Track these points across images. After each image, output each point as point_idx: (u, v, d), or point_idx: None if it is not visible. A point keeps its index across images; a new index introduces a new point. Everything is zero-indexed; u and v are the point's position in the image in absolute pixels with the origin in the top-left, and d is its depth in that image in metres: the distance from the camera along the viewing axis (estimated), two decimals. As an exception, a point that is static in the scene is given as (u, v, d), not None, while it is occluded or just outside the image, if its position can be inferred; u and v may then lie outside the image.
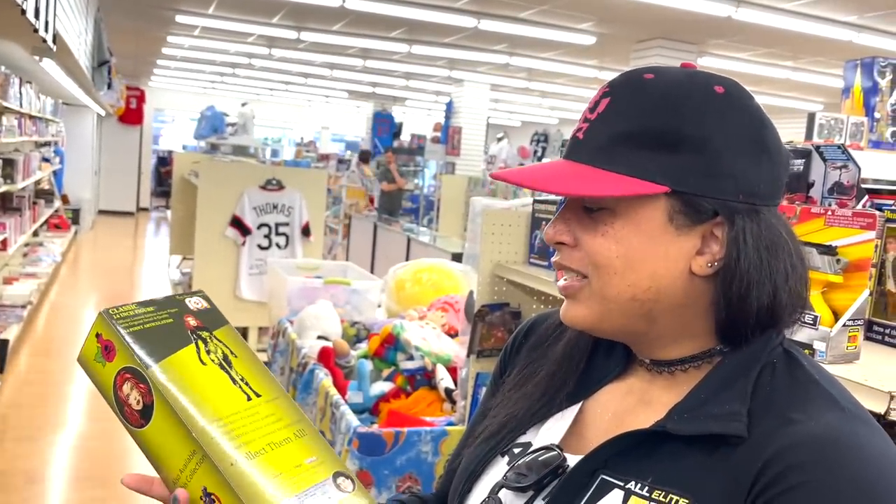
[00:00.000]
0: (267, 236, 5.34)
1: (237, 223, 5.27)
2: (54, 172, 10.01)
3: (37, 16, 2.65)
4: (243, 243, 5.30)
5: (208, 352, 0.80)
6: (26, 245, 8.18)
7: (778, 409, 0.67)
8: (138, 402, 0.76)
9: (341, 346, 2.70)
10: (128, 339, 0.77)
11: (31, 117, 6.98)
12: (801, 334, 1.15)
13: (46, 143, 9.70)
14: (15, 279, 6.63)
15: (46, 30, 2.91)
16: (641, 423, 0.73)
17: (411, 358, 2.58)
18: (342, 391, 2.52)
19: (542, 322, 0.95)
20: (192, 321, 0.83)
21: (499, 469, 0.80)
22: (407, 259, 5.40)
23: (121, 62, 12.31)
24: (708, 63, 8.67)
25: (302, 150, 12.80)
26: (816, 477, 0.62)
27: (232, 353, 0.83)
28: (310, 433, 0.80)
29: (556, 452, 0.76)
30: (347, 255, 8.91)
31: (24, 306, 5.81)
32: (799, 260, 0.73)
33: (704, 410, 0.69)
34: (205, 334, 0.82)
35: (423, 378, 2.52)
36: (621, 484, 0.70)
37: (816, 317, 1.12)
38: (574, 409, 0.82)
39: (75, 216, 11.25)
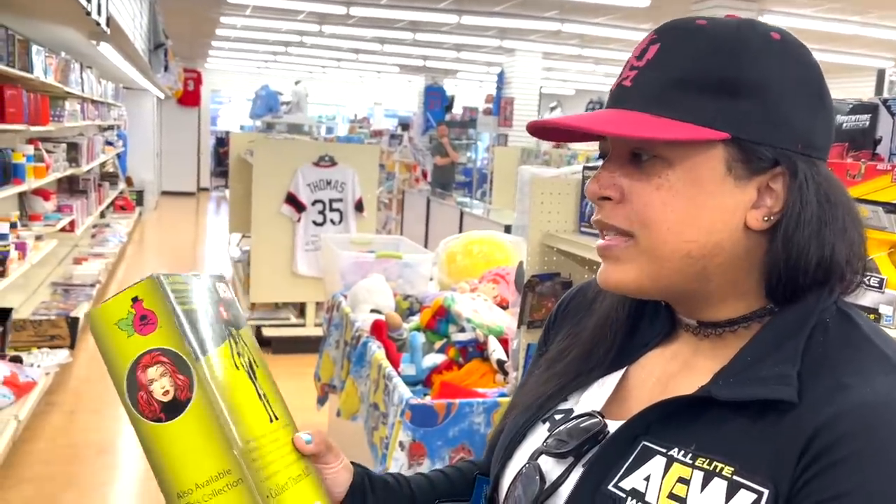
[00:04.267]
0: (321, 212, 5.39)
1: (292, 200, 5.33)
2: (118, 155, 10.30)
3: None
4: (298, 220, 5.36)
5: (239, 354, 0.69)
6: (94, 226, 8.46)
7: (830, 372, 0.63)
8: (166, 393, 0.64)
9: (393, 318, 2.71)
10: (182, 317, 0.65)
11: (93, 102, 7.18)
12: (867, 298, 1.09)
13: (110, 127, 9.98)
14: (84, 259, 6.87)
15: (99, 13, 2.97)
16: (686, 389, 0.69)
17: (463, 330, 2.57)
18: (395, 364, 2.53)
19: (584, 290, 0.92)
20: (224, 312, 0.71)
21: (539, 435, 0.79)
22: (460, 232, 5.39)
23: (177, 45, 12.54)
24: (771, 20, 8.30)
25: (355, 127, 12.85)
26: (871, 447, 0.58)
27: (254, 360, 0.72)
28: (314, 471, 0.74)
29: (597, 419, 0.74)
30: (402, 230, 8.95)
31: (92, 285, 6.01)
32: (855, 216, 0.69)
33: (752, 373, 0.66)
34: (235, 332, 0.71)
35: (476, 350, 2.51)
36: (663, 451, 0.67)
37: (883, 279, 1.06)
38: (617, 374, 0.79)
39: (139, 197, 11.57)
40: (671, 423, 0.68)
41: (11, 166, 3.81)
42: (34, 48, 4.13)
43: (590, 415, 0.75)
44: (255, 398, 0.69)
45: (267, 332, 5.41)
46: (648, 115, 0.67)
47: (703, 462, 0.64)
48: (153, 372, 0.64)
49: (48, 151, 4.86)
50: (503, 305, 2.74)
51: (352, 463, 0.89)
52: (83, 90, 6.24)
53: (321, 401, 3.38)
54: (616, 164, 0.71)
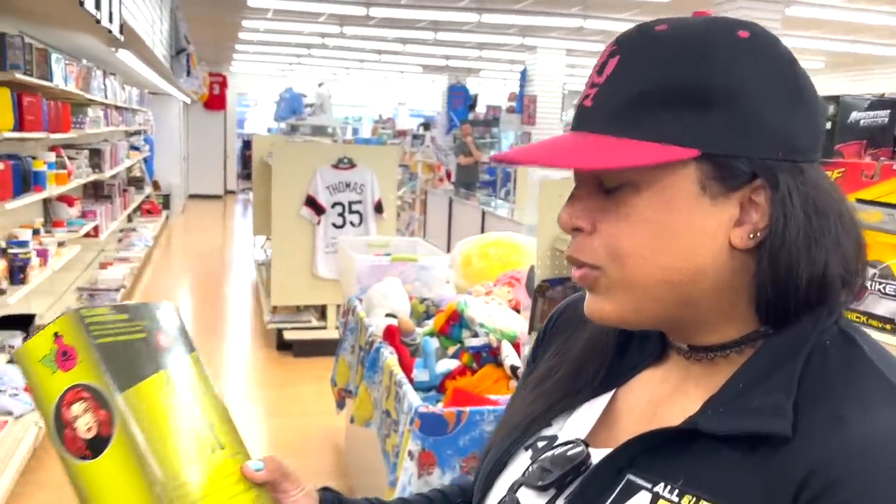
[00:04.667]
0: (341, 214, 5.38)
1: (311, 202, 5.32)
2: (144, 160, 10.41)
3: (98, 6, 2.71)
4: (318, 222, 5.35)
5: (178, 383, 0.67)
6: (121, 231, 8.56)
7: (828, 401, 0.58)
8: (90, 430, 0.62)
9: (406, 323, 2.67)
10: (97, 351, 0.63)
11: (116, 108, 7.25)
12: (882, 307, 1.03)
13: (137, 132, 10.09)
14: (109, 264, 6.94)
15: (111, 20, 2.98)
16: (678, 415, 0.65)
17: (476, 335, 2.53)
18: (408, 369, 2.49)
19: (575, 305, 0.87)
20: (164, 340, 0.69)
21: (520, 464, 0.74)
22: (482, 233, 5.34)
23: (201, 49, 12.65)
24: (798, 13, 8.16)
25: (378, 128, 12.86)
26: (871, 492, 0.53)
27: (199, 387, 0.69)
28: (269, 500, 0.71)
29: (580, 448, 0.69)
30: (424, 231, 8.93)
31: (117, 290, 6.07)
32: (850, 224, 0.64)
33: (743, 403, 0.61)
34: (174, 360, 0.68)
35: (489, 355, 2.47)
36: (649, 486, 0.62)
37: (898, 287, 0.99)
38: (606, 397, 0.75)
39: (166, 201, 11.70)
40: (658, 456, 0.63)
41: (31, 174, 3.85)
42: (54, 56, 4.17)
43: (574, 443, 0.71)
44: (196, 427, 0.66)
45: (288, 334, 5.41)
46: (610, 138, 0.62)
47: (690, 500, 0.59)
48: (77, 408, 0.62)
49: (70, 158, 4.90)
50: (518, 309, 2.70)
51: (326, 489, 0.86)
52: (106, 97, 6.30)
53: (340, 405, 3.36)
54: (586, 190, 0.66)
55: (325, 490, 0.87)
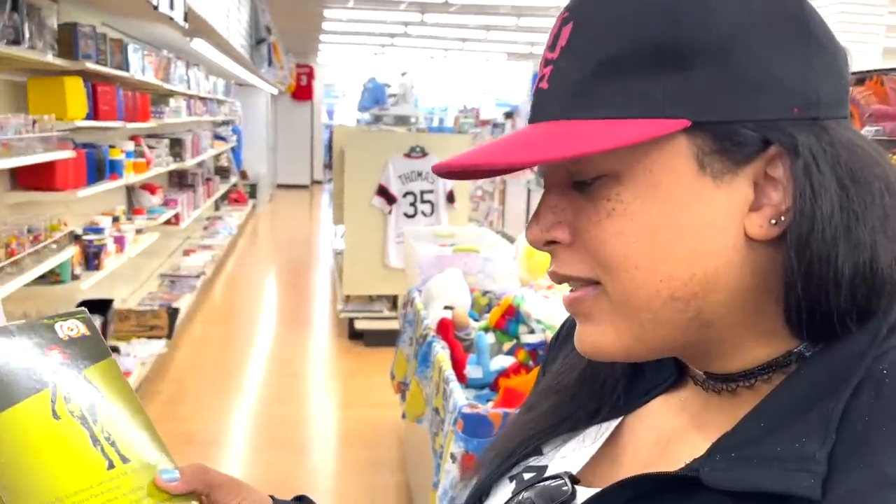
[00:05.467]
0: (412, 204, 5.31)
1: (383, 192, 5.27)
2: (232, 149, 10.68)
3: (158, -6, 2.72)
4: (390, 212, 5.30)
5: (68, 399, 0.62)
6: (207, 219, 8.80)
7: (873, 455, 0.43)
8: None
9: (461, 317, 2.56)
10: None
11: (200, 98, 7.42)
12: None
13: (225, 123, 10.35)
14: (193, 251, 7.13)
15: (172, 7, 2.98)
16: (690, 453, 0.51)
17: (533, 331, 2.39)
18: (461, 365, 2.38)
19: None
20: (55, 356, 0.64)
21: (502, 496, 0.62)
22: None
23: (288, 40, 12.86)
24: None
25: (460, 117, 12.76)
26: None
27: (103, 399, 0.64)
28: None
29: (566, 487, 0.57)
30: (503, 222, 8.78)
31: (197, 276, 6.21)
32: None
33: (761, 449, 0.46)
34: (70, 374, 0.64)
35: (546, 353, 2.32)
36: None
37: None
38: (610, 425, 0.62)
39: (252, 190, 11.97)
40: None
41: (107, 162, 3.93)
42: (131, 46, 4.25)
43: (559, 477, 0.58)
44: (86, 445, 0.61)
45: (359, 324, 5.40)
46: (575, 122, 0.48)
47: None
48: None
49: (150, 147, 5.02)
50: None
51: (300, 498, 0.77)
52: (189, 87, 6.43)
53: (403, 398, 3.29)
54: (556, 194, 0.53)
55: (298, 499, 0.77)
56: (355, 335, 5.43)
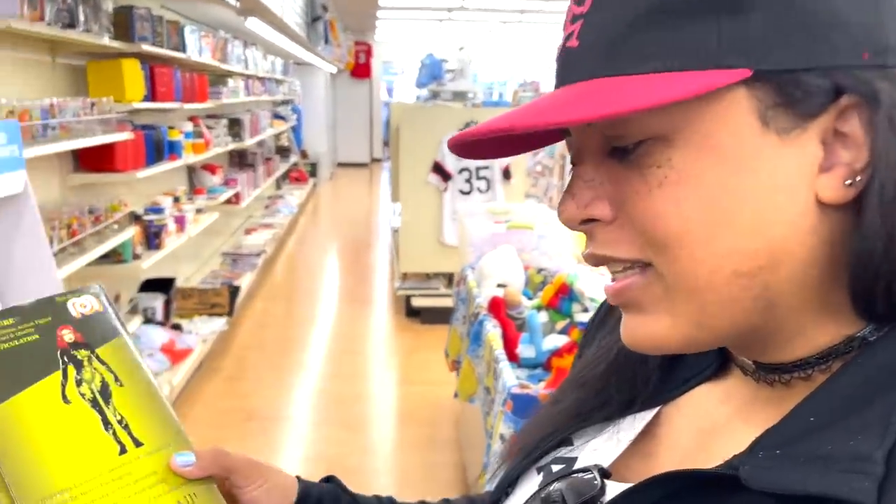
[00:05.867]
0: (468, 181, 5.25)
1: (438, 169, 5.23)
2: (293, 129, 10.79)
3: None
4: (445, 189, 5.26)
5: (80, 382, 0.60)
6: (268, 198, 8.93)
7: None
8: None
9: (513, 295, 2.50)
10: None
11: (258, 78, 7.49)
12: None
13: (284, 102, 10.46)
14: (254, 230, 7.24)
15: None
16: (733, 448, 0.46)
17: (587, 310, 2.33)
18: (513, 344, 2.34)
19: None
20: (67, 335, 0.62)
21: (529, 488, 0.58)
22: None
23: (345, 18, 12.87)
24: None
25: (519, 91, 12.59)
26: None
27: (117, 380, 0.62)
28: (206, 498, 0.59)
29: (595, 481, 0.52)
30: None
31: (258, 255, 6.31)
32: None
33: (811, 445, 0.41)
34: (82, 354, 0.61)
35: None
36: None
37: None
38: (646, 416, 0.57)
39: (313, 169, 12.10)
40: None
41: (166, 143, 3.99)
42: (188, 28, 4.29)
43: (588, 470, 0.54)
44: (97, 430, 0.58)
45: (416, 301, 5.40)
46: (615, 79, 0.42)
47: None
48: None
49: (209, 128, 5.08)
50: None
51: (329, 478, 0.74)
52: (246, 67, 6.49)
53: (458, 375, 3.27)
54: (591, 165, 0.46)
55: (327, 480, 0.75)
56: (412, 312, 5.44)
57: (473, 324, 2.56)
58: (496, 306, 2.48)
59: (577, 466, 0.56)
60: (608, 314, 0.68)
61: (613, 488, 0.51)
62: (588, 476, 0.53)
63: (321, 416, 4.01)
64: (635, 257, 0.45)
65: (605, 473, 0.53)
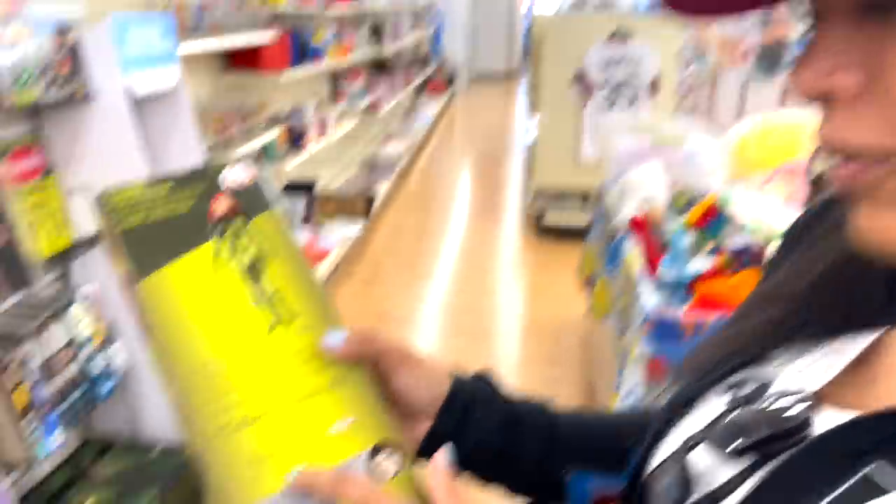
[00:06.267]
0: (612, 93, 5.00)
1: (580, 80, 5.00)
2: (433, 36, 10.67)
3: None
4: (586, 103, 5.04)
5: (234, 251, 0.58)
6: (406, 107, 8.95)
7: None
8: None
9: (656, 214, 2.37)
10: (119, 238, 0.57)
11: (401, -16, 7.38)
12: None
13: (427, 8, 10.31)
14: (391, 139, 7.30)
15: None
16: None
17: (738, 234, 2.16)
18: (654, 265, 2.22)
19: (839, 206, 0.57)
20: (221, 205, 0.60)
21: (711, 410, 0.51)
22: (774, 118, 4.64)
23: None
24: None
25: None
26: None
27: (270, 252, 0.59)
28: (354, 380, 0.56)
29: (804, 404, 0.44)
30: (713, 115, 8.12)
31: (394, 164, 6.37)
32: None
33: None
34: (236, 224, 0.59)
35: (750, 259, 2.09)
36: None
37: None
38: (863, 339, 0.47)
39: (450, 79, 11.98)
40: None
41: (310, 47, 4.02)
42: (333, -71, 4.24)
43: (795, 394, 0.45)
44: (246, 302, 0.56)
45: (548, 219, 5.30)
46: None
47: None
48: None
49: (350, 33, 5.08)
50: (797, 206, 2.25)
51: (479, 375, 0.71)
52: (390, -29, 6.40)
53: (591, 294, 3.19)
54: (838, 25, 0.36)
55: (478, 377, 0.71)
56: (544, 230, 5.35)
57: (611, 242, 2.46)
58: (638, 225, 2.36)
59: (773, 389, 0.49)
60: (806, 229, 0.59)
61: (825, 418, 0.43)
62: (791, 401, 0.45)
63: (449, 323, 4.07)
64: (884, 143, 0.36)
65: (813, 401, 0.45)
